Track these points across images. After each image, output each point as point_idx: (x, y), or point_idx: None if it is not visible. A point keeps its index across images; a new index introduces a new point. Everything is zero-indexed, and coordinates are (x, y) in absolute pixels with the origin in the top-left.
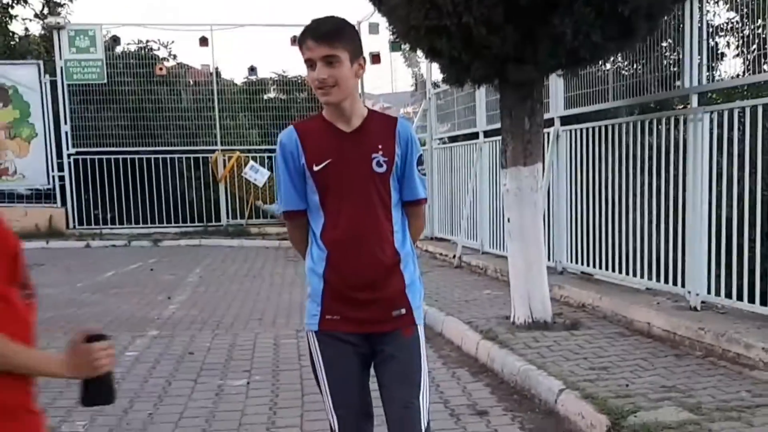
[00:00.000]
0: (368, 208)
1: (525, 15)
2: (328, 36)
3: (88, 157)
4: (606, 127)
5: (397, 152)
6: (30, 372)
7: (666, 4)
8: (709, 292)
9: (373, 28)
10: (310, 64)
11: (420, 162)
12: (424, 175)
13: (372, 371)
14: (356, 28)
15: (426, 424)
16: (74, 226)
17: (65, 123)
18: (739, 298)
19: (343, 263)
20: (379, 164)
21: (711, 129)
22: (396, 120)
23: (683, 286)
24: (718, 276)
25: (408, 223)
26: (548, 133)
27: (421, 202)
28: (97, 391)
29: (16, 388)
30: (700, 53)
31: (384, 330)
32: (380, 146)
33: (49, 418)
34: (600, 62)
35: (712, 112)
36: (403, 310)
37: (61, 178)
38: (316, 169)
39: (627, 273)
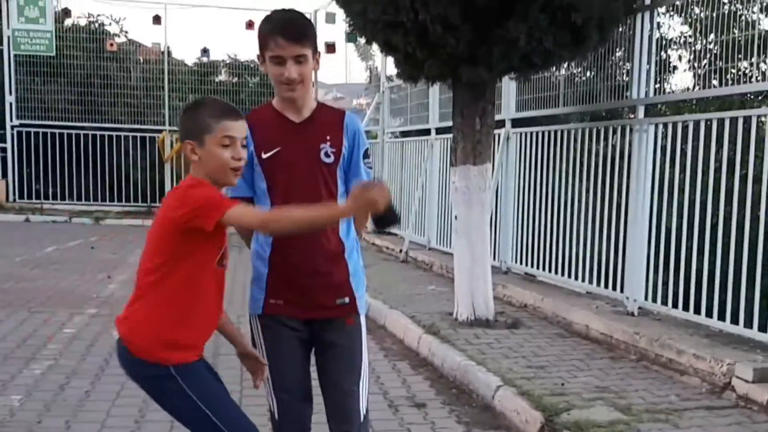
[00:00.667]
0: (315, 196)
1: (481, 17)
2: (300, 36)
3: (32, 129)
4: (556, 132)
5: (345, 144)
6: (326, 222)
7: (618, 15)
8: (646, 298)
9: (330, 18)
10: (278, 61)
11: (366, 155)
12: (370, 168)
13: (312, 357)
14: (312, 17)
15: (364, 412)
16: (14, 200)
17: (10, 94)
18: (675, 305)
19: (289, 249)
20: (327, 155)
21: (656, 140)
22: (344, 113)
23: (622, 291)
24: (655, 283)
25: None
26: (499, 134)
27: None
28: (385, 218)
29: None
30: (648, 65)
31: (327, 316)
32: (328, 137)
33: None
34: (553, 68)
35: (657, 124)
36: (347, 299)
37: (3, 150)
38: (264, 157)
39: (569, 276)
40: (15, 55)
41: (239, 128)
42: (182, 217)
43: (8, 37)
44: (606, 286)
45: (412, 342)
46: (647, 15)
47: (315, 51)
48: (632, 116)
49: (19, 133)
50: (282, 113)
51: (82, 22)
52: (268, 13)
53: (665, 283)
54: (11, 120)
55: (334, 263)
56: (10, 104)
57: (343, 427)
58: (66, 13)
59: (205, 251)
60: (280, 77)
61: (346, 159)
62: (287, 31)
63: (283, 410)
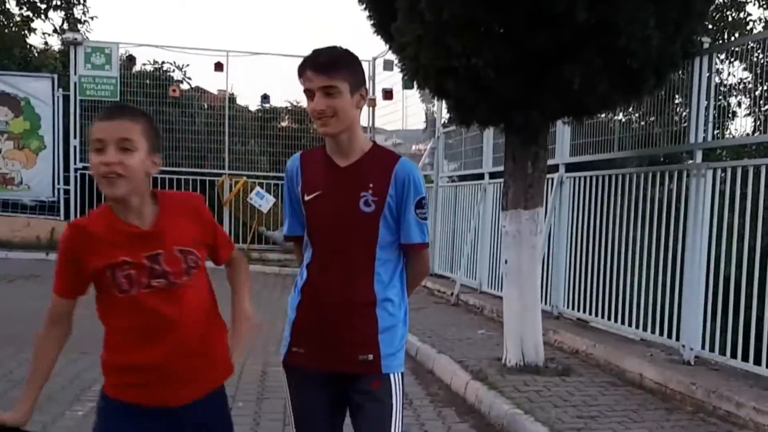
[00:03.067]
0: (353, 247)
1: (534, 61)
2: (326, 66)
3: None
4: (610, 176)
5: (390, 193)
6: None
7: (675, 60)
8: (703, 347)
9: (388, 65)
10: (309, 94)
11: (420, 205)
12: (424, 219)
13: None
14: (363, 61)
15: None
16: None
17: (74, 137)
18: (733, 355)
19: (314, 297)
20: (366, 203)
21: (714, 185)
22: (397, 159)
23: (678, 339)
24: (713, 332)
25: (407, 267)
26: (552, 179)
27: (416, 247)
28: None
29: None
30: (707, 109)
31: (348, 371)
32: (371, 185)
33: None
34: (607, 113)
35: (715, 169)
36: (371, 356)
37: (66, 192)
38: (306, 199)
39: (623, 322)
40: (80, 101)
41: (109, 129)
42: None
43: (75, 83)
44: (661, 334)
45: (459, 388)
46: (705, 59)
47: (356, 86)
48: (690, 161)
49: (83, 176)
50: (330, 156)
51: (147, 69)
52: None
53: (723, 332)
54: (75, 163)
55: (361, 317)
56: (75, 147)
57: None
58: (131, 59)
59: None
60: (313, 111)
61: (393, 208)
62: (313, 62)
63: None
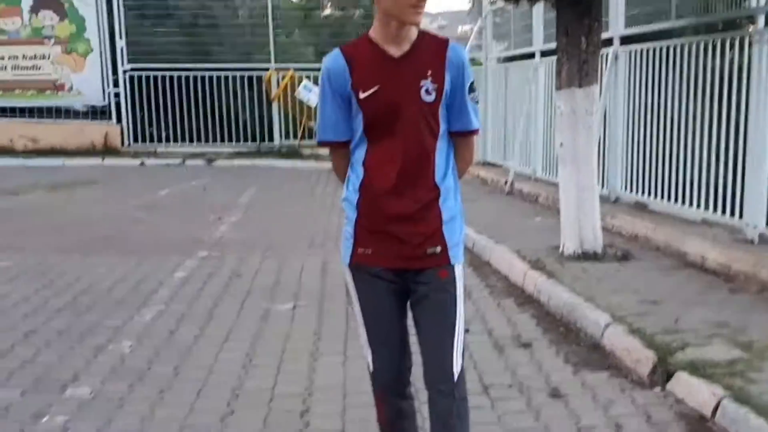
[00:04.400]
0: (414, 138)
1: None
2: None
3: (143, 73)
4: (667, 47)
5: (447, 79)
6: None
7: None
8: None
9: None
10: None
11: (472, 89)
12: (477, 103)
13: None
14: None
15: (459, 369)
16: (129, 144)
17: (120, 38)
18: None
19: (379, 195)
20: (427, 92)
21: None
22: (446, 43)
23: (741, 217)
24: None
25: (455, 155)
26: (606, 54)
27: (473, 133)
28: None
29: None
30: None
31: (417, 267)
32: (429, 72)
33: (97, 338)
34: None
35: None
36: (438, 248)
37: (117, 95)
38: (362, 96)
39: (683, 203)
40: (124, 1)
41: None
42: None
43: None
44: (723, 213)
45: (517, 278)
46: None
47: None
48: (751, 27)
49: (131, 78)
50: (381, 46)
51: None
52: None
53: None
54: (123, 65)
55: (427, 211)
56: (122, 49)
57: (437, 386)
58: None
59: None
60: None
61: (449, 95)
62: None
63: (380, 363)
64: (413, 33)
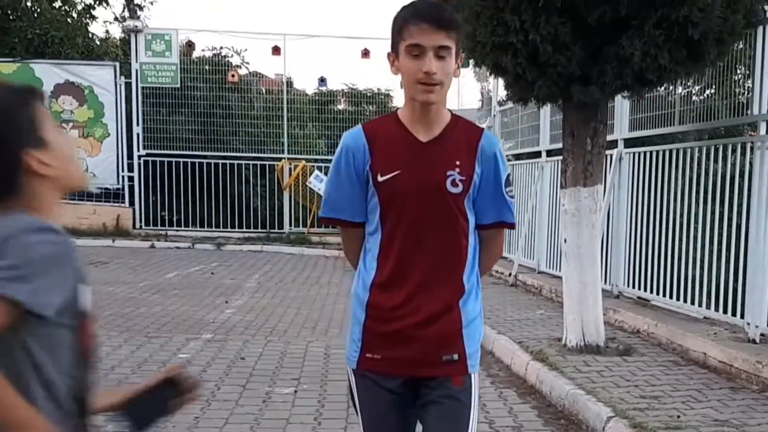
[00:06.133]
0: (438, 232)
1: (592, 35)
2: (448, 22)
3: (157, 159)
4: (670, 151)
5: (477, 171)
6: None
7: (736, 29)
8: None
9: None
10: (417, 52)
11: (508, 183)
12: (512, 197)
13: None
14: None
15: None
16: (140, 227)
17: (137, 125)
18: None
19: (394, 295)
20: (454, 183)
21: None
22: (481, 132)
23: (742, 317)
24: None
25: (482, 250)
26: (611, 155)
27: (508, 226)
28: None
29: None
30: None
31: (430, 375)
32: (458, 162)
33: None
34: (667, 85)
35: None
36: (456, 356)
37: (131, 179)
38: (380, 179)
39: (685, 300)
40: (142, 88)
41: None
42: None
43: (136, 71)
44: (725, 311)
45: (519, 369)
46: None
47: (459, 50)
48: (753, 134)
49: (146, 163)
50: (407, 128)
51: (206, 55)
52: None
53: None
54: (138, 150)
55: (447, 312)
56: (138, 135)
57: None
58: (190, 46)
59: None
60: (417, 73)
61: (478, 187)
62: (433, 16)
63: None
64: (444, 117)
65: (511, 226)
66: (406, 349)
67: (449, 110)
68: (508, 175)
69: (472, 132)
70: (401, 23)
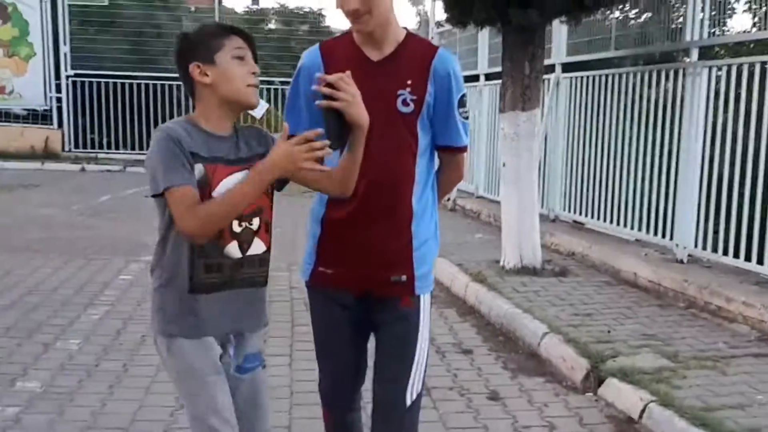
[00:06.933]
0: (387, 152)
1: None
2: None
3: (86, 79)
4: (606, 76)
5: (429, 90)
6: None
7: None
8: (696, 245)
9: None
10: None
11: (462, 103)
12: (467, 119)
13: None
14: None
15: (410, 402)
16: (70, 149)
17: (65, 44)
18: (725, 253)
19: (346, 212)
20: (405, 103)
21: (709, 84)
22: (435, 51)
23: (671, 238)
24: (705, 231)
25: (440, 173)
26: (549, 80)
27: (462, 149)
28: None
29: None
30: (703, 7)
31: (379, 294)
32: (409, 81)
33: (44, 335)
34: (604, 10)
35: (711, 67)
36: (404, 277)
37: (59, 100)
38: None
39: (618, 223)
40: (69, 5)
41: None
42: None
43: None
44: (655, 234)
45: (459, 290)
46: None
47: None
48: (686, 60)
49: (74, 83)
50: (361, 48)
51: None
52: None
53: (715, 231)
54: (66, 70)
55: (396, 234)
56: (65, 54)
57: (379, 425)
58: None
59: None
60: (344, 9)
61: (431, 107)
62: None
63: (325, 383)
64: (395, 36)
65: (462, 150)
66: (357, 266)
67: (405, 28)
68: (463, 95)
69: (425, 51)
70: None
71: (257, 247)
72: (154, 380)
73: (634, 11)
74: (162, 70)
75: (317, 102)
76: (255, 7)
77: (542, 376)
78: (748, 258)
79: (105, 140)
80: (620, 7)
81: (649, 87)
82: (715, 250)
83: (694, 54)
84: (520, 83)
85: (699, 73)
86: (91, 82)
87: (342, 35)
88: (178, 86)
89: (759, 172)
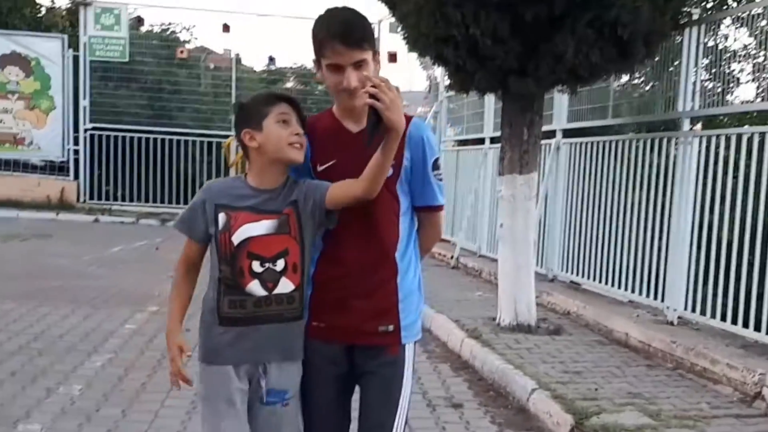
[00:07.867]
0: (368, 214)
1: (530, 31)
2: (360, 41)
3: (104, 133)
4: (604, 142)
5: (406, 155)
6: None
7: (665, 30)
8: (686, 308)
9: (393, 28)
10: (336, 68)
11: (436, 166)
12: (441, 180)
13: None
14: (376, 27)
15: None
16: (85, 200)
17: (84, 98)
18: (713, 316)
19: (332, 268)
20: None
21: (699, 152)
22: (410, 119)
23: (663, 300)
24: (695, 294)
25: (420, 232)
26: (549, 144)
27: (437, 209)
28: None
29: None
30: (695, 81)
31: (366, 343)
32: None
33: (48, 380)
34: (600, 81)
35: (701, 137)
36: (391, 327)
37: (76, 152)
38: (319, 169)
39: (612, 285)
40: (90, 61)
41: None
42: None
43: (84, 44)
44: (648, 295)
45: (454, 345)
46: (695, 30)
47: (375, 53)
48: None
49: (92, 136)
50: (340, 122)
51: (155, 30)
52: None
53: (705, 294)
54: (84, 123)
55: (382, 287)
56: (84, 108)
57: None
58: (139, 21)
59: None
60: (339, 85)
61: (409, 171)
62: (346, 37)
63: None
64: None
65: (438, 208)
66: (347, 318)
67: None
68: (437, 158)
69: None
70: (319, 42)
71: (285, 286)
72: (151, 426)
73: (637, 80)
74: (178, 125)
75: (366, 100)
76: (272, 66)
77: (528, 431)
78: (734, 321)
79: (120, 192)
80: (617, 77)
81: (644, 154)
82: (704, 313)
83: (686, 124)
84: (518, 148)
85: (690, 142)
86: (108, 136)
87: (323, 112)
88: (193, 141)
89: (745, 239)
